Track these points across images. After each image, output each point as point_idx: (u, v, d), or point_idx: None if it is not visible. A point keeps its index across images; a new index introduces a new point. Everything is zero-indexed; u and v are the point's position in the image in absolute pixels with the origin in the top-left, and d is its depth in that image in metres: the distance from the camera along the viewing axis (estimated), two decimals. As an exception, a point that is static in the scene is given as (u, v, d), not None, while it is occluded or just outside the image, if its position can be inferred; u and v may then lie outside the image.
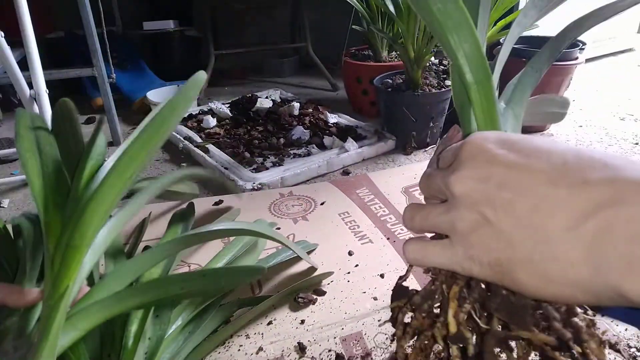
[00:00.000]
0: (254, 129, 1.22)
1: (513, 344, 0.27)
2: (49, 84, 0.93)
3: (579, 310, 0.26)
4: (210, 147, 1.09)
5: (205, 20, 1.64)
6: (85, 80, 1.49)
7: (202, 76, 0.34)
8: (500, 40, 1.26)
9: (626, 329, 0.54)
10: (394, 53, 1.41)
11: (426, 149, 1.14)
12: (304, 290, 0.62)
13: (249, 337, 0.55)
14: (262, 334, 0.55)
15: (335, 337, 0.55)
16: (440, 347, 0.29)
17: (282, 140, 1.14)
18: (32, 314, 0.39)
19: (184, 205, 0.74)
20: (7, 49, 0.86)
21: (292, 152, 1.09)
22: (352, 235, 0.76)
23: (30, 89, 0.90)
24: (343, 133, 1.17)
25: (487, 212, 0.24)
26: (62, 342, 0.33)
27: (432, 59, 1.18)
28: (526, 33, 1.35)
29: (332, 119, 1.28)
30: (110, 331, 0.44)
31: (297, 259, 0.67)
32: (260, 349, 0.53)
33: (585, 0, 0.58)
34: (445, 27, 0.26)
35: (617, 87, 1.64)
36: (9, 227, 0.56)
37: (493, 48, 1.28)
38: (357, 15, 1.35)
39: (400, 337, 0.31)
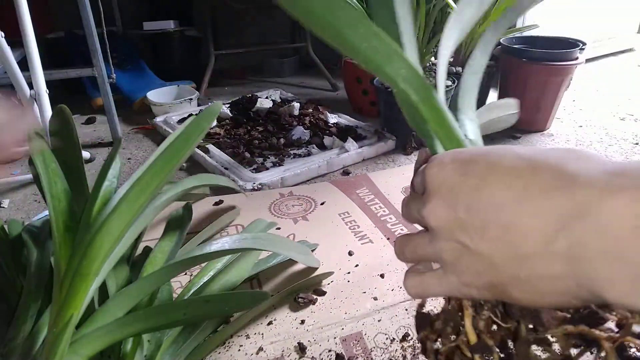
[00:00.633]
0: (254, 129, 1.22)
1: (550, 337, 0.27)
2: (49, 84, 0.93)
3: None
4: (211, 147, 1.09)
5: (205, 20, 1.64)
6: (85, 81, 1.49)
7: (217, 107, 0.35)
8: (501, 41, 1.26)
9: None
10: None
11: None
12: (304, 290, 0.62)
13: (249, 337, 0.55)
14: (262, 334, 0.55)
15: (335, 337, 0.55)
16: None
17: (282, 141, 1.14)
18: (37, 336, 0.40)
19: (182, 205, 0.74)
20: (7, 49, 0.86)
21: (292, 152, 1.09)
22: (352, 235, 0.76)
23: (30, 89, 0.90)
24: (343, 133, 1.17)
25: (464, 239, 0.24)
26: None
27: (432, 59, 1.18)
28: (526, 33, 1.35)
29: (332, 119, 1.28)
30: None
31: (297, 259, 0.67)
32: (261, 349, 0.53)
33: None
34: (378, 62, 0.27)
35: (617, 87, 1.64)
36: (7, 228, 0.57)
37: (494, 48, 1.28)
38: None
39: None
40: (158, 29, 1.69)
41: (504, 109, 0.44)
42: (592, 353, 0.25)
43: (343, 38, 0.26)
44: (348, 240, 0.75)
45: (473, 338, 0.27)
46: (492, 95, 1.40)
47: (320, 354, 0.53)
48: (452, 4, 0.98)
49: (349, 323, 0.57)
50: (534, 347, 0.26)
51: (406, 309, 0.59)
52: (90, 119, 1.39)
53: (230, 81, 1.85)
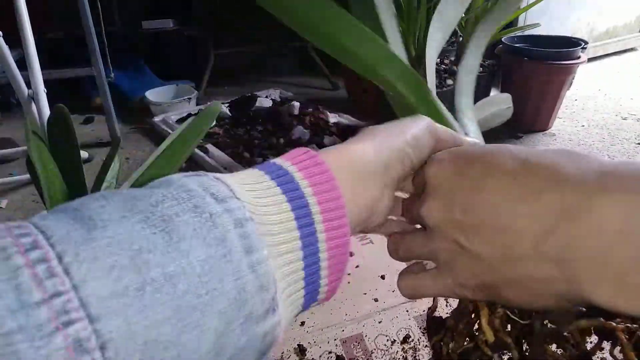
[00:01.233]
0: (254, 128, 1.21)
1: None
2: (47, 83, 0.92)
3: None
4: (210, 146, 1.09)
5: (204, 20, 1.64)
6: (84, 80, 1.49)
7: (216, 107, 0.34)
8: (503, 40, 1.25)
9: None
10: (394, 52, 1.40)
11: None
12: (304, 291, 0.61)
13: (249, 339, 0.54)
14: (262, 335, 0.55)
15: (335, 339, 0.54)
16: None
17: (282, 140, 1.13)
18: None
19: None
20: (6, 49, 0.86)
21: (292, 152, 1.09)
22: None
23: (28, 89, 0.90)
24: (343, 133, 1.16)
25: (460, 239, 0.24)
26: None
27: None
28: (527, 32, 1.35)
29: (333, 118, 1.28)
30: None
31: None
32: (260, 351, 0.53)
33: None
34: (374, 65, 0.29)
35: (619, 87, 1.64)
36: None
37: (494, 47, 1.28)
38: (358, 14, 1.35)
39: None
40: (157, 28, 1.69)
41: (498, 104, 0.44)
42: (608, 345, 0.25)
43: (339, 45, 0.27)
44: (348, 240, 0.74)
45: (491, 336, 0.27)
46: (494, 94, 1.40)
47: (320, 356, 0.52)
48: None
49: (350, 324, 0.57)
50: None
51: (407, 311, 0.59)
52: (88, 119, 1.39)
53: (230, 81, 1.85)
